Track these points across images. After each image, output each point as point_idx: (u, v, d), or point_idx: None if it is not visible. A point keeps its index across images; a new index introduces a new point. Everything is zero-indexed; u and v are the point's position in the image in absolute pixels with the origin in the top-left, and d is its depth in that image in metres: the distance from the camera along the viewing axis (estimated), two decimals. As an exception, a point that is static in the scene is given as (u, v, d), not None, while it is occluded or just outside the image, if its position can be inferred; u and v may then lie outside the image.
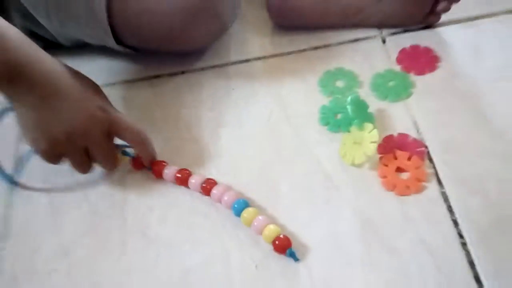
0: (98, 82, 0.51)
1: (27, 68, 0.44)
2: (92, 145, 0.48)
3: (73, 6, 0.54)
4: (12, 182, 0.53)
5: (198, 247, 0.46)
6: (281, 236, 0.45)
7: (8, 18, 0.47)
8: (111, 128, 0.48)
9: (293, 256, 0.44)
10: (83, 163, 0.49)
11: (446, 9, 0.58)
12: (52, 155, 0.48)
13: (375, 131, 0.49)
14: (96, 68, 0.62)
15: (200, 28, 0.56)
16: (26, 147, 0.52)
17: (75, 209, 0.51)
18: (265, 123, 0.54)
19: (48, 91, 0.45)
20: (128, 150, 0.52)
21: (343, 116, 0.53)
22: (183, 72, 0.61)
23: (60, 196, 0.52)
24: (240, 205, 0.47)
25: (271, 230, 0.45)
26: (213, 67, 0.61)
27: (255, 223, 0.46)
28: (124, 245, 0.47)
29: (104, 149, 0.49)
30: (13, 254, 0.49)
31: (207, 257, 0.45)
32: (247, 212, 0.46)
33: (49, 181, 0.53)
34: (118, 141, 0.50)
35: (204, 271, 0.45)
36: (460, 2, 0.58)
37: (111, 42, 0.58)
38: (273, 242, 0.45)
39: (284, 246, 0.44)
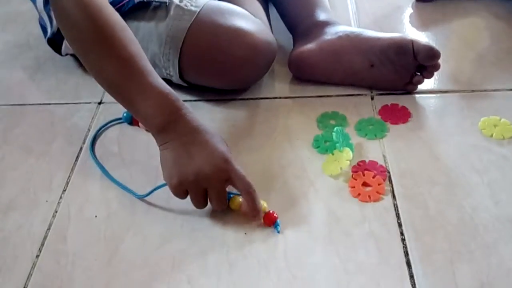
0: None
1: (180, 122, 0.59)
2: (211, 188, 0.59)
3: (153, 49, 0.75)
4: (139, 196, 0.65)
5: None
6: (270, 211, 0.60)
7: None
8: (229, 177, 0.59)
9: (277, 227, 0.59)
10: (201, 201, 0.60)
11: (420, 82, 0.76)
12: (180, 190, 0.59)
13: (350, 152, 0.66)
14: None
15: (253, 67, 0.75)
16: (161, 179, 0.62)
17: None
18: (272, 140, 0.72)
19: (189, 140, 0.59)
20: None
21: (330, 144, 0.70)
22: (217, 100, 0.80)
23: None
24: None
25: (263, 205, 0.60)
26: (244, 99, 0.80)
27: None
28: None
29: (220, 193, 0.59)
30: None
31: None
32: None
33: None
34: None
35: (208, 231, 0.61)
36: (433, 79, 0.77)
37: (175, 77, 0.77)
38: (264, 215, 0.60)
39: (272, 219, 0.60)
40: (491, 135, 0.69)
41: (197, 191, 0.59)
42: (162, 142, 0.61)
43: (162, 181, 0.62)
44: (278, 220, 0.60)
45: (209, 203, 0.62)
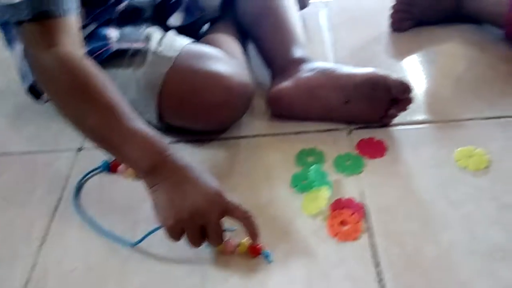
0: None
1: (167, 162, 0.59)
2: (208, 223, 0.58)
3: (131, 95, 0.75)
4: (131, 245, 0.64)
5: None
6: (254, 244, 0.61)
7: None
8: (224, 209, 0.59)
9: (267, 257, 0.60)
10: (198, 238, 0.59)
11: (395, 115, 0.77)
12: (176, 230, 0.59)
13: (328, 190, 0.67)
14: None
15: (231, 110, 0.76)
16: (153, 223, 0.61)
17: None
18: (252, 179, 0.73)
19: (179, 179, 0.59)
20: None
21: (308, 182, 0.70)
22: (197, 141, 0.81)
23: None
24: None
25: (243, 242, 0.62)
26: (224, 139, 0.80)
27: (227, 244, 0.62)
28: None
29: (216, 227, 0.59)
30: None
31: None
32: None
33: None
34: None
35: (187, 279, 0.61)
36: (409, 110, 0.78)
37: (153, 122, 0.78)
38: (249, 248, 0.61)
39: (256, 250, 0.61)
40: (466, 166, 0.70)
41: (194, 228, 0.59)
42: (152, 184, 0.61)
43: (145, 227, 0.62)
44: (267, 251, 0.61)
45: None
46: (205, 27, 0.97)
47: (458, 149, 0.73)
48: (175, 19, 0.88)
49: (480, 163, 0.70)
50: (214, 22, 0.96)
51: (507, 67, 0.89)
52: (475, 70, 0.90)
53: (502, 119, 0.78)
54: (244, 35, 0.94)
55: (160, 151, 0.60)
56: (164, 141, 0.62)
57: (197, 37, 0.90)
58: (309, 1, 1.09)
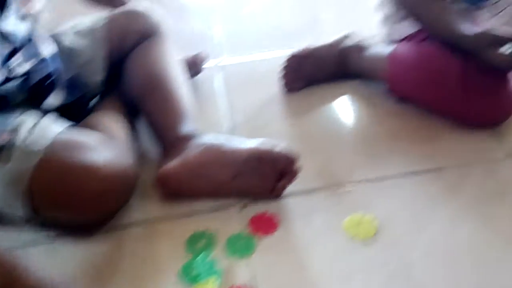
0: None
1: (17, 280, 0.54)
2: None
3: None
4: None
5: None
6: None
7: None
8: None
9: None
10: None
11: (285, 186, 0.76)
12: None
13: (215, 283, 0.64)
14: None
15: (109, 203, 0.71)
16: None
17: None
18: (135, 276, 0.67)
19: None
20: None
21: (196, 272, 0.66)
22: (79, 235, 0.74)
23: None
24: None
25: None
26: (110, 229, 0.74)
27: None
28: None
29: None
30: None
31: None
32: None
33: None
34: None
35: None
36: (300, 179, 0.77)
37: (25, 218, 0.71)
38: None
39: None
40: (355, 235, 0.70)
41: None
42: None
43: None
44: None
45: None
46: (95, 101, 0.93)
47: (347, 218, 0.72)
48: (54, 99, 0.82)
49: (369, 231, 0.70)
50: (104, 95, 0.92)
51: (394, 122, 0.91)
52: (365, 128, 0.92)
53: (389, 180, 0.79)
54: (134, 108, 0.91)
55: (10, 270, 0.55)
56: (16, 258, 0.56)
57: (85, 112, 0.86)
58: (203, 67, 1.09)
